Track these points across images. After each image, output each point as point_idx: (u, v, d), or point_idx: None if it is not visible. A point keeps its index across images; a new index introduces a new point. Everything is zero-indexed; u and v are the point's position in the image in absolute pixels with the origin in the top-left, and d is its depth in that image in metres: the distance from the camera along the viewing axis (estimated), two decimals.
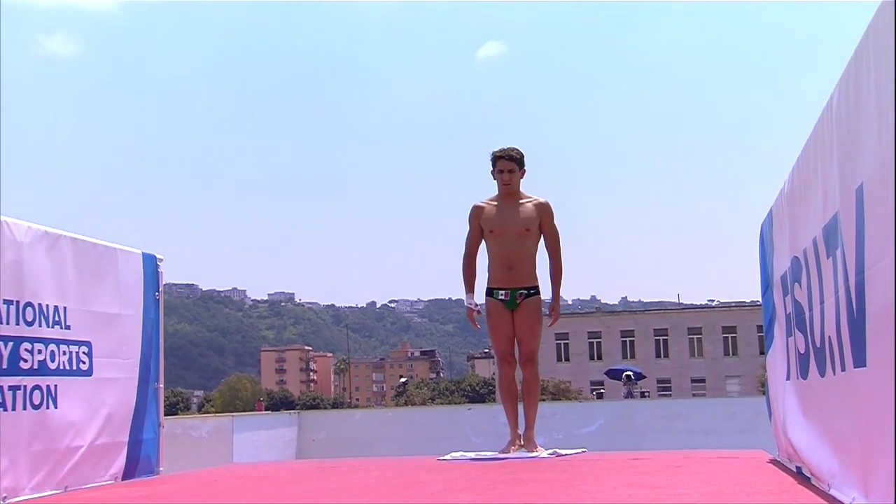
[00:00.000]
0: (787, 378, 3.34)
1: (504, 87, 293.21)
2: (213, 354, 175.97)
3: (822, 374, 2.52)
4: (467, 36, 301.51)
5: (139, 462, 4.31)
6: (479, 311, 4.66)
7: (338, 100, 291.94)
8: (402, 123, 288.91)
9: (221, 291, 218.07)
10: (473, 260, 4.74)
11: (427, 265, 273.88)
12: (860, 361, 1.97)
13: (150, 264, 4.57)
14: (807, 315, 2.76)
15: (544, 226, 4.63)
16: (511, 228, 4.57)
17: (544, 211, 4.63)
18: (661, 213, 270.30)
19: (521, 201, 4.63)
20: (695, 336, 44.26)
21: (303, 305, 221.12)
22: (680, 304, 57.68)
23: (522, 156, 4.65)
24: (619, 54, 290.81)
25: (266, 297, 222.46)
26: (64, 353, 3.79)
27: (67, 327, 3.83)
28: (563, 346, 44.97)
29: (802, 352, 2.90)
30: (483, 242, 4.71)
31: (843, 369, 2.20)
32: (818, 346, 2.56)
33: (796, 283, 2.95)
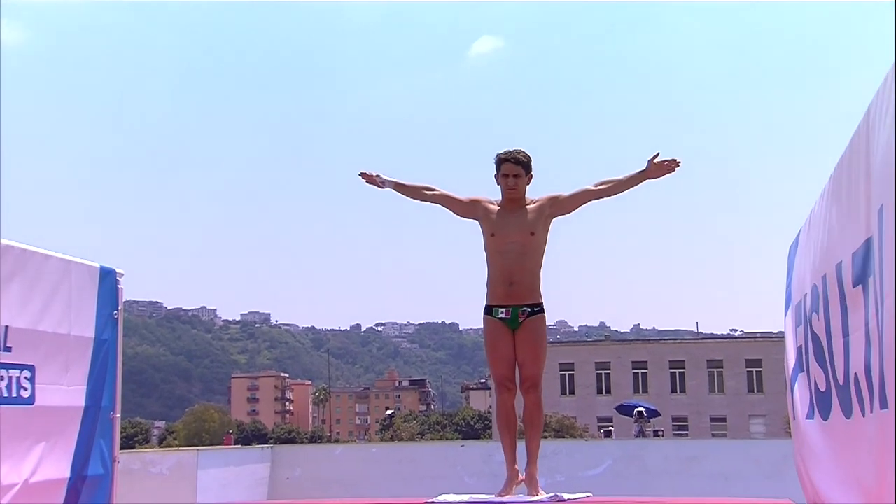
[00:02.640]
0: (809, 416, 3.33)
1: (500, 87, 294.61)
2: (177, 381, 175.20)
3: (849, 415, 2.51)
4: (459, 30, 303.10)
5: (86, 502, 4.27)
6: (378, 177, 4.80)
7: (317, 102, 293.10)
8: (387, 127, 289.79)
9: (188, 310, 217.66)
10: (431, 190, 4.83)
11: (418, 285, 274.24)
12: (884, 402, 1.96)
13: (109, 280, 4.55)
14: (825, 349, 2.76)
15: (560, 202, 4.66)
16: (514, 235, 4.57)
17: (551, 199, 4.67)
18: (678, 232, 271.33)
19: (526, 206, 4.66)
20: (715, 369, 44.25)
21: (279, 327, 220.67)
22: (699, 333, 57.78)
23: (530, 159, 4.67)
24: (630, 51, 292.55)
25: (238, 318, 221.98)
26: (2, 378, 3.74)
27: (8, 349, 3.79)
28: (567, 377, 44.89)
29: (823, 389, 2.89)
30: (483, 249, 4.70)
31: (871, 410, 2.19)
32: (841, 383, 2.55)
33: (814, 314, 2.95)
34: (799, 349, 3.25)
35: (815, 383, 3.03)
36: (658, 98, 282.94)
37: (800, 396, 3.55)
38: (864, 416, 2.32)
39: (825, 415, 2.90)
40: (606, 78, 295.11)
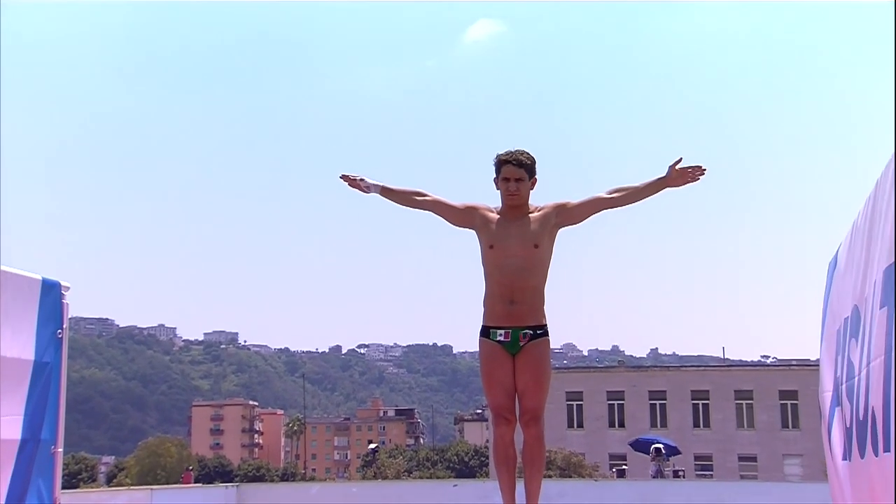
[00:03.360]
0: (845, 458, 3.31)
1: (499, 77, 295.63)
2: (129, 409, 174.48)
3: (862, 454, 2.48)
4: (453, 13, 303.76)
5: None
6: (362, 180, 4.82)
7: (292, 96, 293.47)
8: (370, 123, 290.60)
9: (144, 329, 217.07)
10: (422, 195, 4.84)
11: (407, 302, 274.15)
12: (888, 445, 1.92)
13: (52, 294, 4.53)
14: (856, 379, 2.73)
15: (568, 210, 4.68)
16: (515, 248, 4.58)
17: (557, 206, 4.69)
18: (702, 246, 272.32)
19: (529, 214, 4.67)
20: (744, 401, 44.29)
21: (248, 349, 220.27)
22: (725, 360, 57.67)
23: (533, 162, 4.68)
24: (648, 40, 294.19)
25: (201, 338, 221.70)
26: None
27: None
28: (575, 408, 44.86)
29: (848, 425, 2.85)
30: (481, 262, 4.70)
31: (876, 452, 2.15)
32: (861, 418, 2.52)
33: (853, 339, 2.93)
34: (837, 380, 3.23)
35: (843, 419, 3.01)
36: (694, 98, 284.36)
37: (837, 434, 3.54)
38: (874, 456, 2.29)
39: (849, 455, 2.89)
40: (618, 68, 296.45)
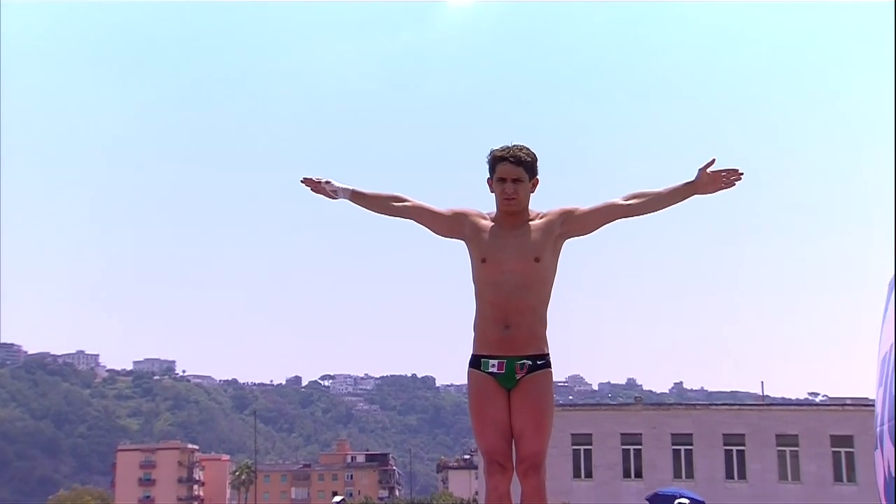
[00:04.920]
0: None
1: (487, 52, 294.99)
2: (38, 455, 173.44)
3: None
4: None
5: None
6: (328, 183, 4.88)
7: (236, 77, 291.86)
8: (335, 112, 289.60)
9: (59, 356, 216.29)
10: (400, 200, 4.89)
11: (379, 325, 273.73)
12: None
13: None
14: None
15: (576, 217, 4.73)
16: (512, 262, 4.61)
17: (563, 213, 4.73)
18: (736, 259, 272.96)
19: (530, 222, 4.71)
20: (787, 448, 44.44)
21: (187, 380, 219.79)
22: (765, 397, 57.89)
23: (534, 159, 4.71)
24: (671, 15, 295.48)
25: (130, 367, 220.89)
26: None
27: None
28: (583, 453, 44.92)
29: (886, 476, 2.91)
30: (472, 279, 4.73)
31: None
32: None
33: None
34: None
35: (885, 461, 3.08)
36: (717, 88, 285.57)
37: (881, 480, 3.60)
38: None
39: None
40: (626, 43, 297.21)
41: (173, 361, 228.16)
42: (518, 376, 4.61)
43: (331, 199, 4.94)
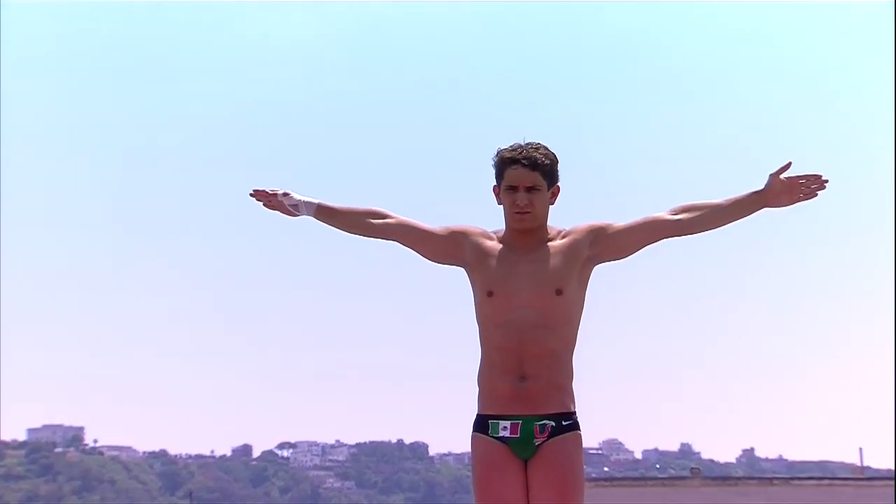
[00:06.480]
0: None
1: (484, 26, 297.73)
2: None
3: None
4: None
5: None
6: (285, 195, 4.98)
7: (167, 55, 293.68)
8: (287, 97, 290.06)
9: None
10: (380, 216, 4.98)
11: (354, 380, 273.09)
12: None
13: None
14: None
15: (610, 236, 4.76)
16: (527, 294, 4.62)
17: (593, 231, 4.76)
18: (819, 293, 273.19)
19: (549, 242, 4.73)
20: None
21: (100, 453, 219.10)
22: (864, 468, 57.69)
23: (554, 161, 4.72)
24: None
25: (23, 437, 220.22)
26: None
27: None
28: None
29: None
30: (475, 317, 4.77)
31: None
32: None
33: None
34: None
35: None
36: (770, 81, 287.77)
37: None
38: None
39: None
40: (640, 43, 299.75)
41: (81, 428, 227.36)
42: (537, 442, 4.62)
43: (290, 217, 5.00)
